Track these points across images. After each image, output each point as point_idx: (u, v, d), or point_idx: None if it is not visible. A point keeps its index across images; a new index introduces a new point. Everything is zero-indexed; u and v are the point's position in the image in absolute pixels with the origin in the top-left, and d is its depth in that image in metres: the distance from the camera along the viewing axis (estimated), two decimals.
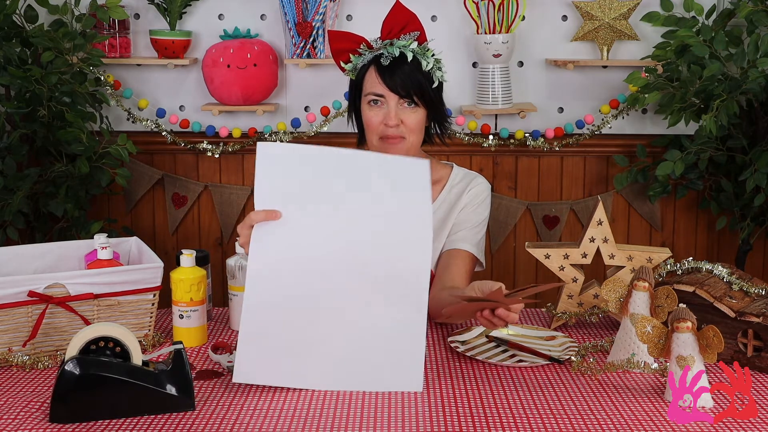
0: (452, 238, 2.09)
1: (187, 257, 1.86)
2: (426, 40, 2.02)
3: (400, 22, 2.00)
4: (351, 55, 2.03)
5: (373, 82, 2.00)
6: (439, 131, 2.10)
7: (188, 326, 1.84)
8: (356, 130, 2.12)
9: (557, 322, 1.95)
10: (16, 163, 2.52)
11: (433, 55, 2.02)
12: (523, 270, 2.95)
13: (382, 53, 1.99)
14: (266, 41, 2.78)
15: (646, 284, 1.69)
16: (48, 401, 1.52)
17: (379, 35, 2.02)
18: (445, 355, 1.80)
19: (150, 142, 2.84)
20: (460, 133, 2.82)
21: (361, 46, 2.02)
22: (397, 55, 1.98)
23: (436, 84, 2.02)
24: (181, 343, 1.58)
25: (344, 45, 2.04)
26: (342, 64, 2.06)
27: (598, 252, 1.93)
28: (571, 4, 2.78)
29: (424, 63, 1.99)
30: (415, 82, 1.99)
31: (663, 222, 2.93)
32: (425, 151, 2.19)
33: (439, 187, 2.14)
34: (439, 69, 2.03)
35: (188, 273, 1.85)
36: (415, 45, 1.99)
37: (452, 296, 1.81)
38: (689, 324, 1.54)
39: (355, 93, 2.07)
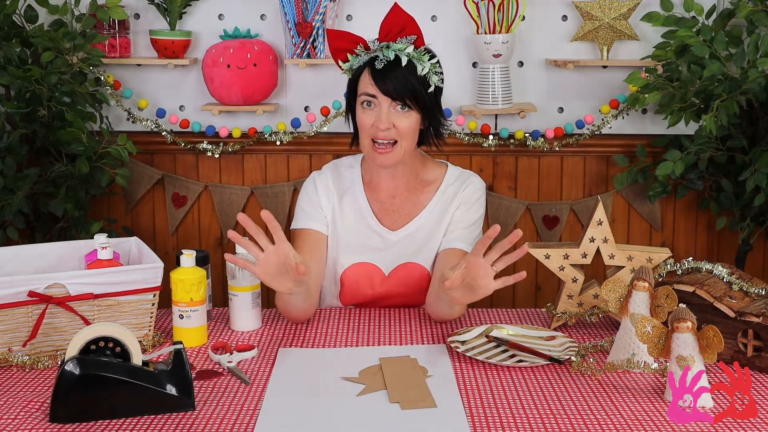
0: (447, 238, 2.09)
1: (187, 257, 1.86)
2: (423, 44, 2.02)
3: (398, 25, 2.00)
4: (348, 55, 2.04)
5: (367, 84, 2.01)
6: (434, 135, 2.10)
7: (188, 326, 1.84)
8: (352, 130, 2.13)
9: (557, 322, 1.95)
10: (16, 163, 2.52)
11: (429, 59, 2.01)
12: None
13: (378, 55, 1.99)
14: (266, 41, 2.78)
15: (646, 284, 1.69)
16: (48, 401, 1.52)
17: (377, 36, 2.02)
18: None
19: (150, 142, 2.84)
20: (460, 133, 2.82)
21: (358, 47, 2.02)
22: (392, 59, 1.98)
23: (432, 88, 2.02)
24: (181, 343, 1.58)
25: (342, 44, 2.04)
26: (340, 63, 2.07)
27: (598, 252, 1.93)
28: (571, 4, 2.78)
29: (419, 67, 1.99)
30: (409, 87, 1.99)
31: (663, 222, 2.93)
32: (425, 152, 2.20)
33: (434, 187, 2.14)
34: (436, 73, 2.02)
35: (188, 273, 1.85)
36: (411, 49, 1.99)
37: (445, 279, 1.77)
38: (689, 324, 1.54)
39: (350, 93, 2.07)
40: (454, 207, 2.12)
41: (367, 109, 2.02)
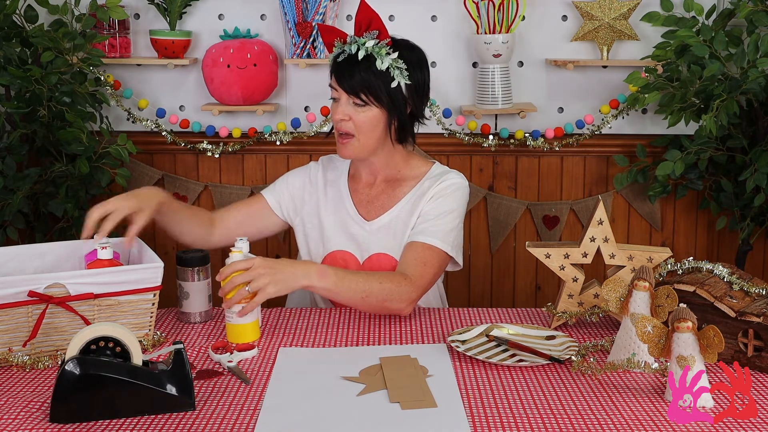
0: (413, 231, 2.10)
1: (238, 254, 1.87)
2: (387, 37, 2.03)
3: (365, 20, 2.03)
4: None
5: (331, 78, 2.07)
6: (398, 135, 2.09)
7: (249, 321, 1.85)
8: None
9: (557, 322, 1.95)
10: (16, 163, 2.52)
11: (388, 53, 2.02)
12: (523, 270, 2.95)
13: (344, 50, 2.04)
14: (266, 41, 2.78)
15: (647, 284, 1.69)
16: (48, 401, 1.52)
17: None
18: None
19: (150, 142, 2.84)
20: (460, 133, 2.82)
21: (336, 41, 2.06)
22: (353, 52, 2.02)
23: (395, 84, 2.02)
24: (181, 343, 1.58)
25: (330, 38, 2.11)
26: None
27: (598, 251, 1.93)
28: (571, 4, 2.78)
29: (378, 62, 2.01)
30: (364, 81, 2.02)
31: (663, 222, 2.93)
32: (426, 152, 2.20)
33: (413, 183, 2.17)
34: (398, 68, 2.03)
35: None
36: (371, 43, 2.01)
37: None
38: (690, 324, 1.54)
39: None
40: (426, 200, 2.12)
41: (334, 102, 2.09)
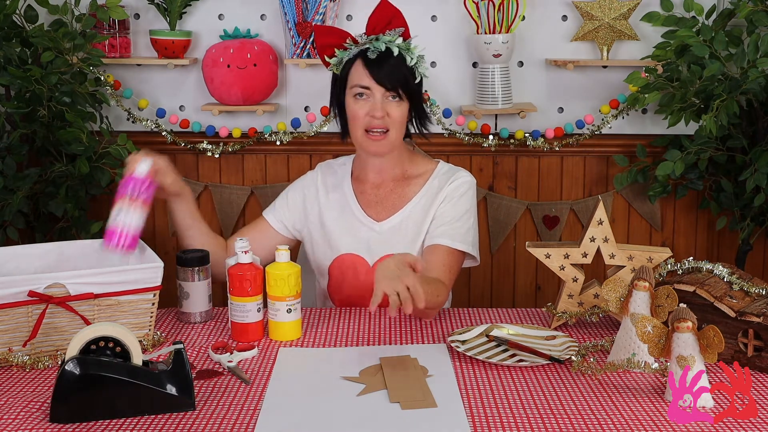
0: (432, 234, 2.11)
1: (285, 252, 1.89)
2: (410, 37, 2.09)
3: (386, 18, 2.07)
4: (336, 50, 2.09)
5: (360, 75, 2.06)
6: (420, 126, 2.16)
7: (294, 319, 1.87)
8: (339, 126, 2.19)
9: (557, 322, 1.95)
10: (16, 163, 2.52)
11: (414, 49, 2.08)
12: (523, 270, 2.95)
13: (369, 47, 2.04)
14: (266, 41, 2.78)
15: (647, 284, 1.69)
16: (48, 401, 1.52)
17: (364, 31, 2.09)
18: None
19: (150, 142, 2.84)
20: (460, 133, 2.82)
21: (347, 41, 2.06)
22: (383, 50, 2.03)
23: (418, 79, 2.08)
24: (181, 343, 1.58)
25: (330, 40, 2.11)
26: (327, 59, 2.10)
27: (598, 251, 1.93)
28: (571, 4, 2.78)
29: (408, 58, 2.06)
30: (401, 76, 2.05)
31: (663, 222, 2.93)
32: (426, 152, 2.20)
33: (421, 181, 2.17)
34: (422, 64, 2.09)
35: (290, 268, 1.88)
36: (400, 41, 2.06)
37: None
38: (689, 324, 1.54)
39: (339, 87, 2.12)
40: (439, 201, 2.13)
41: (360, 100, 2.07)
